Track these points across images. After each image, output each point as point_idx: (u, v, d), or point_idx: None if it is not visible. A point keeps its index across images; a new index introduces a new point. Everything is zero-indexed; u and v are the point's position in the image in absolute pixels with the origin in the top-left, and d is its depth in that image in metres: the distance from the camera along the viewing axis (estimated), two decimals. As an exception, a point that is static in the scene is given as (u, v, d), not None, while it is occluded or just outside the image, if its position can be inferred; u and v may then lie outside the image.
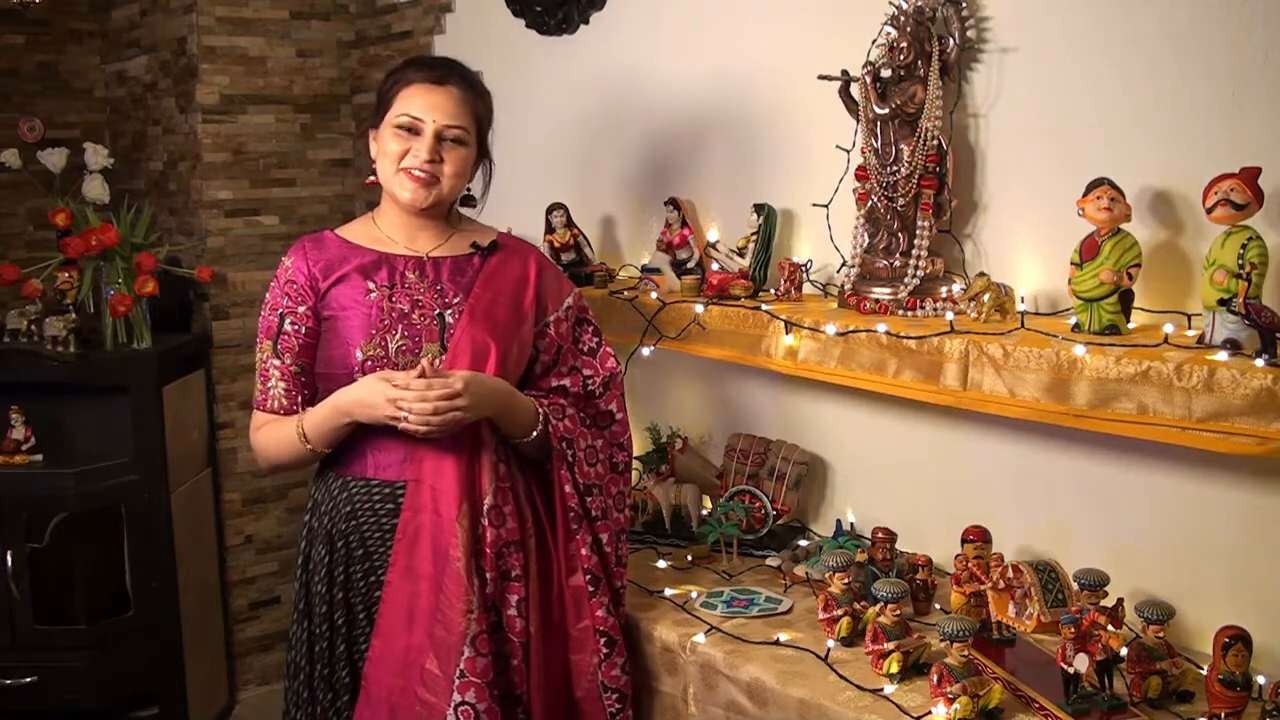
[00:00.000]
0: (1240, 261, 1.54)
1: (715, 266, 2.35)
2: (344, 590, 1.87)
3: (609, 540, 1.90)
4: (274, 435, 1.87)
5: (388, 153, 1.86)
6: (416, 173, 1.84)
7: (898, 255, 2.02)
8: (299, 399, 1.88)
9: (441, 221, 1.95)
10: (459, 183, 1.90)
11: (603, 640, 1.85)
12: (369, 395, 1.75)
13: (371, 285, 1.87)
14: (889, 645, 1.71)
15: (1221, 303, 1.56)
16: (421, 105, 1.84)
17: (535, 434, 1.84)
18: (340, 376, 1.84)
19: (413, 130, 1.84)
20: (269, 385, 1.89)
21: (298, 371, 1.88)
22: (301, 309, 1.88)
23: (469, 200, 2.00)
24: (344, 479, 1.88)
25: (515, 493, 1.84)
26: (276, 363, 1.88)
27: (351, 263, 1.89)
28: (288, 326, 1.88)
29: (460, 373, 1.75)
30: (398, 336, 1.84)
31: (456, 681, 1.73)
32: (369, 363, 1.82)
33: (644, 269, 2.57)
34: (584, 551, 1.86)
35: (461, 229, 1.98)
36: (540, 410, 1.86)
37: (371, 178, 1.94)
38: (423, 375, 1.71)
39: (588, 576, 1.85)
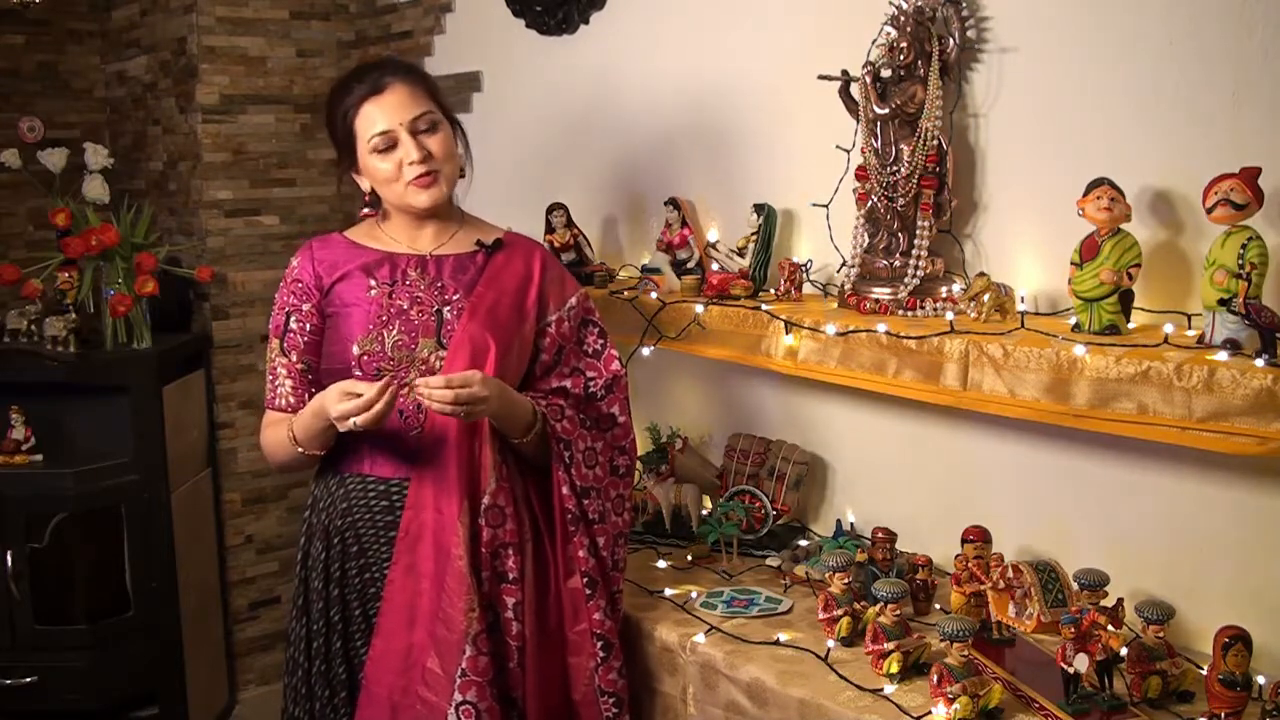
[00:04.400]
0: (1240, 261, 1.54)
1: (715, 266, 2.35)
2: (340, 587, 1.87)
3: (606, 544, 1.89)
4: (274, 436, 1.88)
5: (383, 178, 1.86)
6: (421, 178, 1.85)
7: (898, 255, 2.02)
8: (306, 396, 1.88)
9: (445, 216, 1.95)
10: (455, 163, 1.90)
11: (599, 644, 1.84)
12: (324, 402, 1.75)
13: (372, 282, 1.88)
14: (889, 645, 1.71)
15: (1221, 303, 1.56)
16: (381, 117, 1.83)
17: (533, 434, 1.84)
18: (339, 371, 1.85)
19: (390, 145, 1.84)
20: (277, 383, 1.90)
21: (304, 369, 1.89)
22: (306, 307, 1.89)
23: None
24: (341, 475, 1.89)
25: (514, 494, 1.84)
26: (284, 360, 1.90)
27: (355, 261, 1.90)
28: (293, 324, 1.90)
29: (473, 372, 1.74)
30: (394, 332, 1.84)
31: (458, 680, 1.73)
32: (365, 358, 1.83)
33: (644, 269, 2.57)
34: (581, 554, 1.85)
35: (467, 226, 1.98)
36: (538, 410, 1.86)
37: (365, 210, 1.96)
38: (388, 386, 1.69)
39: (585, 580, 1.85)
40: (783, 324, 2.04)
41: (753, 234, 2.30)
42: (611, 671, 1.85)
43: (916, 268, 1.97)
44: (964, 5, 1.96)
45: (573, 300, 1.98)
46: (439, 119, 1.88)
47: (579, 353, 1.98)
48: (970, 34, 1.97)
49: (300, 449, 1.83)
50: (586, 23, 2.78)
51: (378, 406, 1.69)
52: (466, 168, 2.00)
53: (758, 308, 2.11)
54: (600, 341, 2.00)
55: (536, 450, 1.86)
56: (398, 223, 1.94)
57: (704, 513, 2.35)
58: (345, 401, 1.70)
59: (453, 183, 1.90)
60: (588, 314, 2.00)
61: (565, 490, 1.86)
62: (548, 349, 1.95)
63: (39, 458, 2.93)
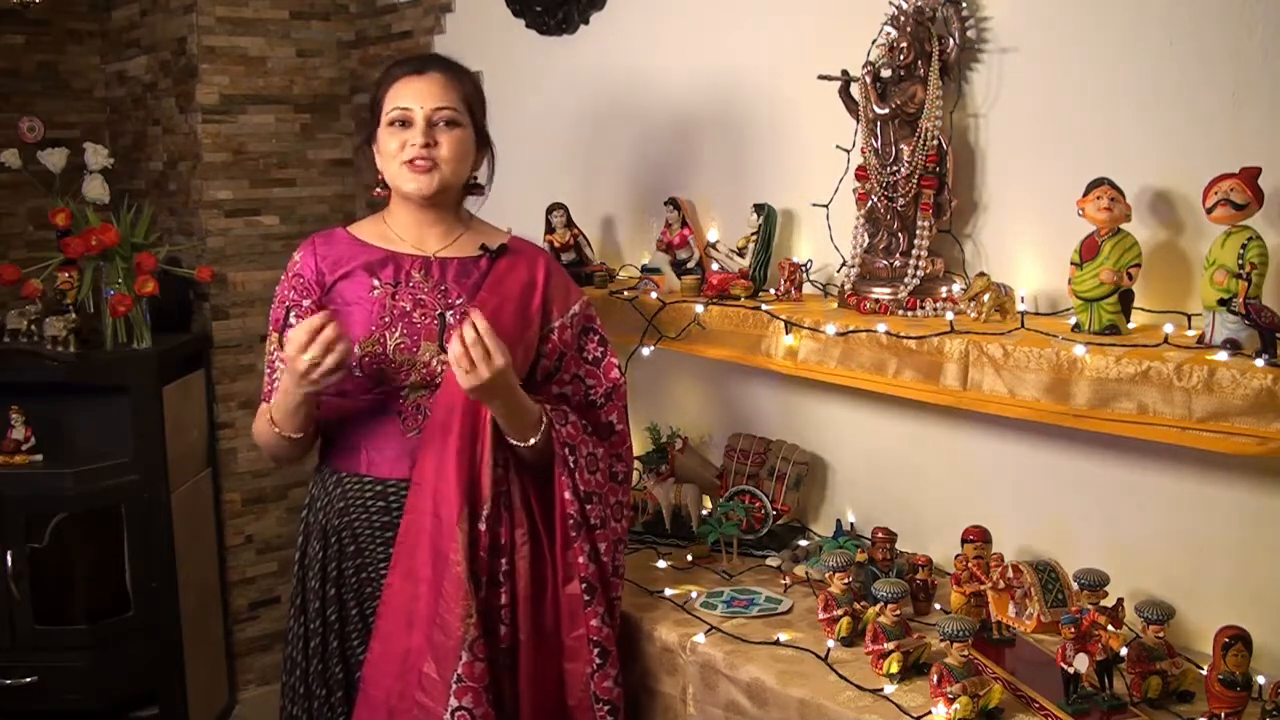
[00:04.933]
0: (1240, 261, 1.54)
1: (715, 266, 2.35)
2: (337, 586, 1.87)
3: (607, 550, 1.87)
4: (260, 424, 1.88)
5: (387, 152, 1.87)
6: (417, 161, 1.84)
7: (898, 255, 2.02)
8: None
9: (451, 219, 1.94)
10: (460, 166, 1.89)
11: (596, 651, 1.83)
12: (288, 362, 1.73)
13: (376, 282, 1.87)
14: (889, 645, 1.71)
15: (1221, 303, 1.56)
16: (407, 95, 1.85)
17: (539, 435, 1.83)
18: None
19: (405, 123, 1.85)
20: (274, 376, 1.90)
21: None
22: (306, 303, 1.89)
23: (477, 189, 1.99)
24: (339, 475, 1.89)
25: (511, 498, 1.83)
26: (281, 354, 1.89)
27: (359, 259, 1.89)
28: (292, 319, 1.89)
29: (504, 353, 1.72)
30: (397, 334, 1.84)
31: (454, 687, 1.72)
32: (366, 359, 1.83)
33: (644, 269, 2.57)
34: (581, 560, 1.84)
35: (472, 229, 1.97)
36: (544, 415, 1.85)
37: (377, 189, 1.95)
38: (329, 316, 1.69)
39: (584, 585, 1.83)
40: (783, 324, 2.04)
41: (753, 234, 2.30)
42: (607, 679, 1.84)
43: (916, 268, 1.97)
44: (964, 5, 1.96)
45: (575, 307, 1.97)
46: (462, 120, 1.87)
47: (579, 360, 1.97)
48: (970, 34, 1.97)
49: (278, 430, 1.81)
50: (586, 23, 2.78)
51: (327, 333, 1.67)
52: (485, 188, 2.00)
53: (758, 308, 2.11)
54: (600, 350, 1.99)
55: (539, 455, 1.85)
56: (402, 219, 1.93)
57: (704, 513, 2.35)
58: (293, 348, 1.67)
59: (448, 183, 1.88)
60: (589, 321, 1.99)
61: (568, 495, 1.84)
62: (549, 355, 1.94)
63: (39, 458, 2.94)
